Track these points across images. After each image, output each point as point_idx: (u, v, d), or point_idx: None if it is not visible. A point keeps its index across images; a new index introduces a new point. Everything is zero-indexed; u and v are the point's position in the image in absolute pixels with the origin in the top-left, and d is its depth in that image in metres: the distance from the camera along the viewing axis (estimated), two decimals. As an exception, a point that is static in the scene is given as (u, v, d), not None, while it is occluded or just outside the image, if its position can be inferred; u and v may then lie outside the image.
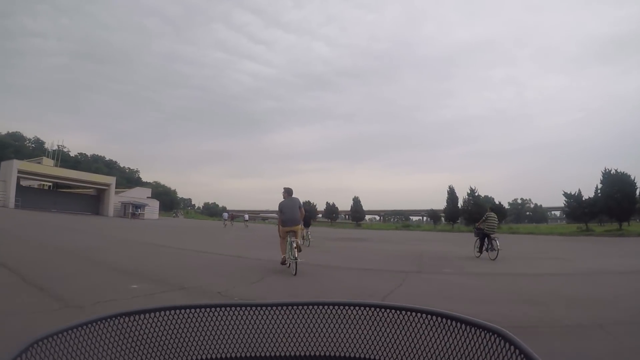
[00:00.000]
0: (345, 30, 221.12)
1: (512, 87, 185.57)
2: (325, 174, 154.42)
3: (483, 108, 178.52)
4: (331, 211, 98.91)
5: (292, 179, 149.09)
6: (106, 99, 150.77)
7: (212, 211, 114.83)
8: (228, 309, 0.81)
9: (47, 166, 44.58)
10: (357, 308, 0.81)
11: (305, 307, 0.82)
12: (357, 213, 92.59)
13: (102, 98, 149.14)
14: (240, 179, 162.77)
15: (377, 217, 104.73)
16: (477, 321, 0.68)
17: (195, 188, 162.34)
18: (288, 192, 7.58)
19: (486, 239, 10.67)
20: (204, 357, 0.78)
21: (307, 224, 15.23)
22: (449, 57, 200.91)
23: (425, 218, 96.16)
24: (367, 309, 0.80)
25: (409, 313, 0.77)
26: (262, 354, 0.80)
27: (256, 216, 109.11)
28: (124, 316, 0.72)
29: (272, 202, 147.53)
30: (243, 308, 0.82)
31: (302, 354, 0.81)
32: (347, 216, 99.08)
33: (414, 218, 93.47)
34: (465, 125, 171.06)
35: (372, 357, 0.78)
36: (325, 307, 0.82)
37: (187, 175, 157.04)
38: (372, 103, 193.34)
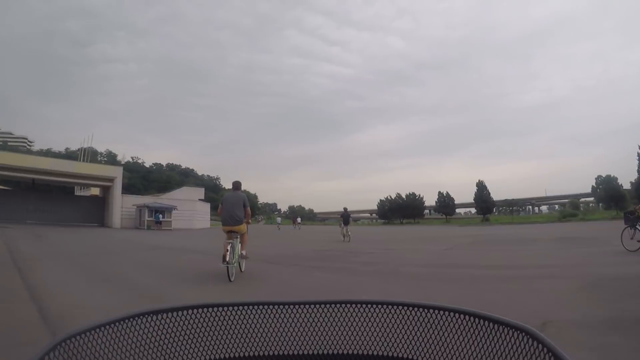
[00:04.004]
0: (419, 21, 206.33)
1: (599, 63, 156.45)
2: (414, 170, 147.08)
3: (569, 88, 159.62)
4: (445, 204, 75.35)
5: (381, 177, 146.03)
6: (190, 114, 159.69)
7: (296, 215, 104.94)
8: (240, 308, 0.80)
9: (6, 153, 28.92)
10: (378, 306, 0.79)
11: (317, 306, 0.81)
12: (483, 203, 68.48)
13: (186, 113, 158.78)
14: (329, 180, 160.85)
15: (473, 210, 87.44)
16: (504, 320, 0.67)
17: (283, 193, 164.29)
18: (234, 185, 6.75)
19: None
20: (215, 356, 0.78)
21: (346, 222, 16.58)
22: (528, 37, 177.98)
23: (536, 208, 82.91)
24: (389, 307, 0.79)
25: (434, 311, 0.76)
26: (274, 353, 0.80)
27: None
28: (129, 319, 0.71)
29: (363, 202, 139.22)
30: (254, 307, 0.81)
31: (313, 352, 0.80)
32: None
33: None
34: (552, 108, 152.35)
35: (398, 355, 0.77)
36: (339, 305, 0.80)
37: (273, 181, 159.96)
38: (455, 94, 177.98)
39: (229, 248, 5.85)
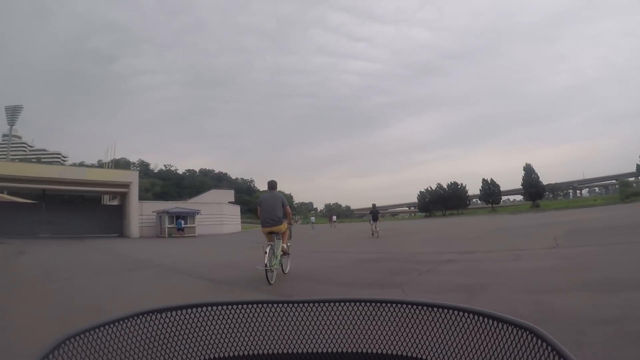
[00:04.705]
0: (442, 10, 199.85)
1: (630, 39, 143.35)
2: (448, 162, 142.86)
3: (600, 67, 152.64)
4: (491, 193, 69.28)
5: (415, 170, 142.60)
6: (221, 120, 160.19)
7: (332, 213, 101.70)
8: (244, 306, 0.80)
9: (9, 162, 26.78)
10: (382, 305, 0.78)
11: (317, 304, 0.80)
12: (532, 188, 63.55)
13: (217, 119, 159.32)
14: (363, 177, 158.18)
15: (511, 199, 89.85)
16: (508, 318, 0.66)
17: (318, 192, 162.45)
18: (270, 185, 6.56)
19: None
20: (220, 355, 0.78)
21: (375, 218, 16.23)
22: (554, 17, 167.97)
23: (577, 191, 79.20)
24: (395, 305, 0.77)
25: (439, 310, 0.75)
26: (279, 351, 0.79)
27: (385, 212, 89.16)
28: (149, 314, 0.73)
29: (400, 196, 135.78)
30: (260, 305, 0.81)
31: (315, 350, 0.79)
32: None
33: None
34: (583, 89, 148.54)
35: (404, 353, 0.76)
36: (345, 304, 0.80)
37: (307, 181, 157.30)
38: (484, 81, 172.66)
39: (267, 250, 5.65)
